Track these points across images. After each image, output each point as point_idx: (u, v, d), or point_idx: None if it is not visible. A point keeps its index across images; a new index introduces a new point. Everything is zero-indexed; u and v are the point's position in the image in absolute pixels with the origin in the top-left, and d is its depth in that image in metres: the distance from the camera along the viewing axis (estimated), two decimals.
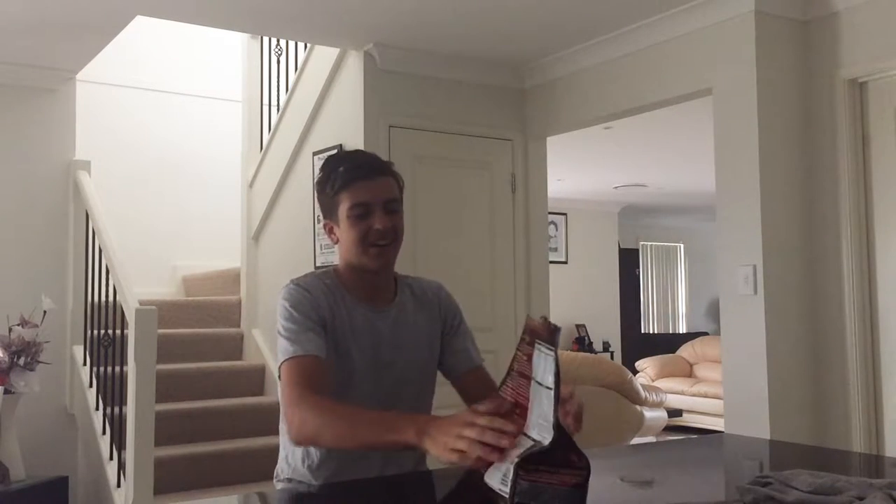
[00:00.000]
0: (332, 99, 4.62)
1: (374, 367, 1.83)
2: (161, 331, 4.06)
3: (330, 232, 1.88)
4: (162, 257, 6.09)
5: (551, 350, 1.28)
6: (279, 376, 1.75)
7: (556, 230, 10.15)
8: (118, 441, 4.09)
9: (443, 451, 1.39)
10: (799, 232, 3.68)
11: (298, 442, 1.71)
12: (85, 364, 4.66)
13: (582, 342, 10.22)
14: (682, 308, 12.60)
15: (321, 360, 1.73)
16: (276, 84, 5.31)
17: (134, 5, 3.88)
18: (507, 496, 1.27)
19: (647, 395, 6.74)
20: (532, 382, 1.34)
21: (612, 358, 10.25)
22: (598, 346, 10.38)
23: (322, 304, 1.80)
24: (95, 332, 4.54)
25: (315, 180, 1.95)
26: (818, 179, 3.68)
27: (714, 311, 11.22)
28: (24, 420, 4.28)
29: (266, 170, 5.22)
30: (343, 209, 1.82)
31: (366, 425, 1.59)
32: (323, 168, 1.89)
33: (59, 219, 4.82)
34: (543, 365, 1.30)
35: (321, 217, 1.92)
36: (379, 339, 1.85)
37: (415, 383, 1.90)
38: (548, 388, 1.27)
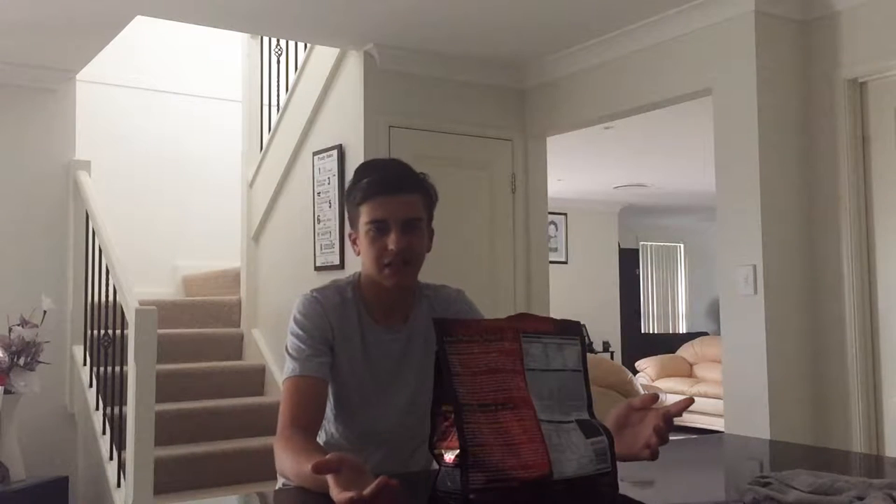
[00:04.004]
0: (331, 99, 4.62)
1: (388, 387, 1.84)
2: (161, 331, 4.06)
3: (353, 243, 1.85)
4: (162, 257, 6.08)
5: (576, 339, 1.52)
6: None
7: (556, 230, 10.14)
8: (118, 441, 4.09)
9: None
10: (799, 232, 3.68)
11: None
12: (85, 364, 4.66)
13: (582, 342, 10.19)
14: (682, 308, 12.59)
15: (319, 383, 1.74)
16: (276, 84, 5.31)
17: (134, 5, 3.88)
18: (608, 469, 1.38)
19: None
20: (534, 372, 1.41)
21: (612, 358, 10.25)
22: (598, 346, 10.36)
23: (333, 324, 1.79)
24: (95, 332, 4.54)
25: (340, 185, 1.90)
26: (818, 179, 3.67)
27: (714, 311, 11.21)
28: (24, 420, 4.28)
29: (266, 170, 5.22)
30: (362, 223, 1.78)
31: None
32: (353, 176, 1.85)
33: (59, 219, 4.81)
34: (558, 353, 1.47)
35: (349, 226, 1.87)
36: (391, 360, 1.84)
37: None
38: (575, 370, 1.49)
